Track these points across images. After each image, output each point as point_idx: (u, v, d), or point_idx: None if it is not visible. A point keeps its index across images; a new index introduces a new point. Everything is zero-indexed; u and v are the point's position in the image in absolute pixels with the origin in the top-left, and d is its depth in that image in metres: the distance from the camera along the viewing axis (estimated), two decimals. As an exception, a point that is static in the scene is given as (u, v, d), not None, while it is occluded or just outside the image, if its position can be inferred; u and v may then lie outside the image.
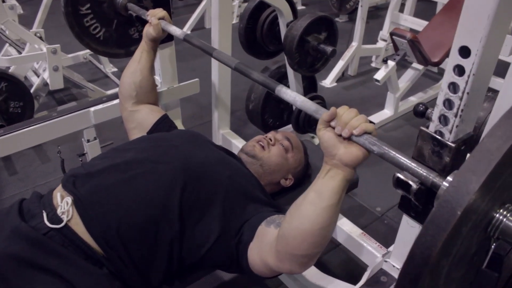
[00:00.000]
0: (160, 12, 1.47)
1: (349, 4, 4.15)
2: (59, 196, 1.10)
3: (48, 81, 2.49)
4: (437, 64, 2.62)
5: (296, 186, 1.47)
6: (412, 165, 0.80)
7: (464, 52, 0.71)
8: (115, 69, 3.05)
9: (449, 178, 0.75)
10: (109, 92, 2.73)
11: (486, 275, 0.74)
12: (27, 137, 1.53)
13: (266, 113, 2.30)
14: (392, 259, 1.01)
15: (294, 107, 2.18)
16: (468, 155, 0.81)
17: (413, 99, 2.89)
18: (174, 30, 1.41)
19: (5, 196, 2.23)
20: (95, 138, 1.69)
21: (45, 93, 2.63)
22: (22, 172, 2.41)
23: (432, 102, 2.96)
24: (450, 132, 0.78)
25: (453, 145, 0.78)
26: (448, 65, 0.74)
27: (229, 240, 1.10)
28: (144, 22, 1.53)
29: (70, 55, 2.73)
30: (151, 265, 1.08)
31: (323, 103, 2.25)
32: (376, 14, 4.35)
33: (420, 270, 0.57)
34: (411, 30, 3.04)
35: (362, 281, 1.01)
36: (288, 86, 2.15)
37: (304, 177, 1.52)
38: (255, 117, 2.31)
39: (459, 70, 0.73)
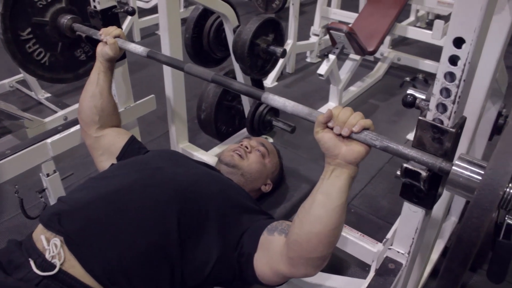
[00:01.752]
0: (114, 30, 1.41)
1: (274, 3, 4.23)
2: (44, 238, 1.01)
3: (-22, 116, 2.30)
4: (372, 52, 2.75)
5: (274, 190, 1.48)
6: (418, 154, 0.84)
7: (459, 42, 0.76)
8: (48, 95, 2.86)
9: (457, 162, 0.80)
10: (47, 119, 2.56)
11: (503, 246, 0.80)
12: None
13: (219, 121, 2.28)
14: (396, 246, 1.05)
15: (246, 112, 2.19)
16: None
17: (354, 89, 3.01)
18: (134, 47, 1.36)
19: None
20: (54, 171, 1.58)
21: (-24, 130, 2.42)
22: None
23: (371, 90, 3.14)
24: (449, 118, 0.82)
25: (453, 130, 0.82)
26: (443, 56, 0.78)
27: (229, 256, 1.09)
28: (95, 42, 1.46)
29: (-6, 84, 2.54)
30: None
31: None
32: (302, 10, 4.46)
33: (469, 251, 0.60)
34: (341, 23, 3.16)
35: (372, 272, 1.04)
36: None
37: (280, 180, 1.54)
38: (208, 126, 2.28)
39: (455, 60, 0.77)
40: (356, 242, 1.42)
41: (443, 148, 0.85)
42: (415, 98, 0.96)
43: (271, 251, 1.02)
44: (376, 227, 1.91)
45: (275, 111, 2.16)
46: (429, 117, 0.86)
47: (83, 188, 1.17)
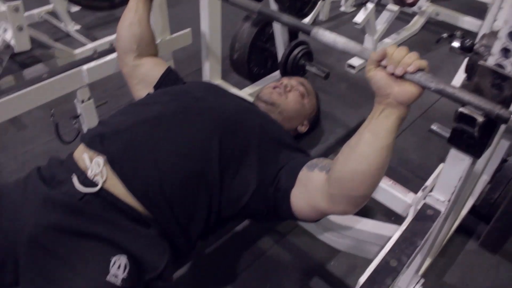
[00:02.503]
0: None
1: None
2: (87, 157, 1.03)
3: (11, 42, 2.28)
4: (411, 4, 2.64)
5: (309, 131, 1.47)
6: (476, 99, 0.81)
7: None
8: (78, 27, 2.84)
9: (518, 108, 0.77)
10: (77, 51, 2.55)
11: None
12: (20, 102, 1.41)
13: (252, 62, 2.25)
14: (436, 193, 1.04)
15: (279, 55, 2.14)
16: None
17: (389, 41, 2.91)
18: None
19: (-17, 168, 2.08)
20: (89, 98, 1.58)
21: (8, 57, 2.42)
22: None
23: (406, 43, 3.05)
24: (512, 65, 0.79)
25: (515, 76, 0.79)
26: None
27: (266, 189, 1.09)
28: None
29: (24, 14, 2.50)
30: (191, 220, 1.05)
31: (308, 47, 2.23)
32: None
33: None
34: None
35: (409, 217, 1.04)
36: (272, 34, 2.12)
37: (316, 122, 1.52)
38: (240, 67, 2.26)
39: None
40: (387, 190, 1.41)
41: (502, 95, 0.82)
42: (473, 43, 0.92)
43: (310, 188, 1.02)
44: (404, 178, 1.90)
45: (309, 56, 2.12)
46: (491, 62, 0.82)
47: (124, 112, 1.17)
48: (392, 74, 0.88)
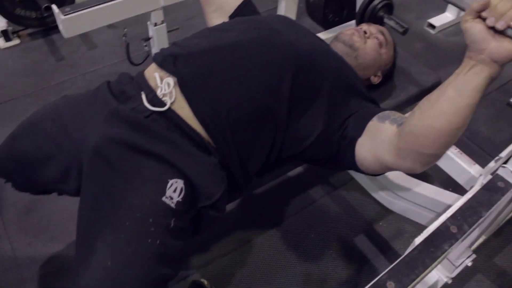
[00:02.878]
0: None
1: None
2: (158, 76, 1.02)
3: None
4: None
5: (381, 84, 1.40)
6: None
7: None
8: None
9: None
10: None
11: None
12: (96, 16, 1.43)
13: (328, 8, 2.15)
14: (511, 165, 0.97)
15: (358, 3, 2.03)
16: None
17: (477, 3, 2.69)
18: None
19: (54, 82, 2.18)
20: (162, 22, 1.57)
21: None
22: (69, 58, 2.33)
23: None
24: None
25: None
26: None
27: (331, 134, 1.05)
28: None
29: None
30: (252, 154, 1.04)
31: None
32: None
33: None
34: None
35: (477, 185, 0.98)
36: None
37: (390, 75, 1.44)
38: (316, 11, 2.16)
39: None
40: (453, 158, 1.34)
41: None
42: None
43: (378, 139, 0.97)
44: (469, 150, 1.81)
45: (389, 8, 2.00)
46: None
47: (200, 36, 1.14)
48: (492, 28, 0.79)
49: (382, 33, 1.31)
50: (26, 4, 2.30)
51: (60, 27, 1.40)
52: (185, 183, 0.94)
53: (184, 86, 0.99)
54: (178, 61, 1.03)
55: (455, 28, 2.60)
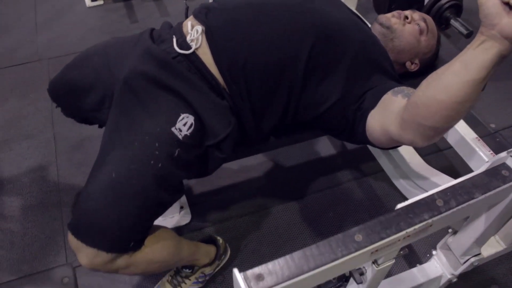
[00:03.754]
0: None
1: None
2: (190, 24, 1.12)
3: None
4: None
5: (419, 73, 1.38)
6: None
7: None
8: None
9: None
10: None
11: None
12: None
13: (395, 2, 2.13)
14: (520, 156, 0.94)
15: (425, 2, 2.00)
16: None
17: None
18: None
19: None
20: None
21: None
22: (142, 22, 2.52)
23: None
24: None
25: None
26: None
27: (348, 106, 1.08)
28: None
29: None
30: (265, 109, 1.10)
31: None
32: None
33: None
34: None
35: (480, 170, 0.96)
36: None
37: (430, 66, 1.42)
38: (381, 4, 2.15)
39: None
40: (468, 144, 1.31)
41: None
42: None
43: (388, 110, 0.99)
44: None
45: (457, 9, 1.94)
46: None
47: None
48: (507, 4, 0.78)
49: (425, 21, 1.30)
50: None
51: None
52: (195, 120, 1.02)
53: (209, 34, 1.07)
54: (210, 13, 1.12)
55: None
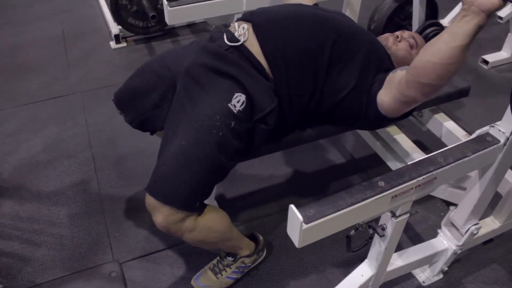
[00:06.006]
0: None
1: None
2: (237, 24, 1.39)
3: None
4: None
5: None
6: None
7: None
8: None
9: None
10: None
11: None
12: (191, 11, 1.85)
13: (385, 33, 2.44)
14: (501, 126, 1.18)
15: (413, 29, 2.31)
16: None
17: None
18: None
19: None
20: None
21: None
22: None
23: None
24: None
25: None
26: None
27: (362, 92, 1.36)
28: None
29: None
30: (299, 91, 1.34)
31: (441, 30, 2.36)
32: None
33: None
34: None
35: (468, 138, 1.21)
36: (411, 12, 2.29)
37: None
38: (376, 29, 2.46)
39: None
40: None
41: None
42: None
43: (392, 82, 1.28)
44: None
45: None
46: None
47: (274, 6, 1.53)
48: None
49: (413, 37, 1.60)
50: (137, 15, 2.87)
51: (166, 16, 1.83)
52: (246, 98, 1.26)
53: (256, 28, 1.34)
54: (254, 14, 1.41)
55: (510, 66, 2.79)
